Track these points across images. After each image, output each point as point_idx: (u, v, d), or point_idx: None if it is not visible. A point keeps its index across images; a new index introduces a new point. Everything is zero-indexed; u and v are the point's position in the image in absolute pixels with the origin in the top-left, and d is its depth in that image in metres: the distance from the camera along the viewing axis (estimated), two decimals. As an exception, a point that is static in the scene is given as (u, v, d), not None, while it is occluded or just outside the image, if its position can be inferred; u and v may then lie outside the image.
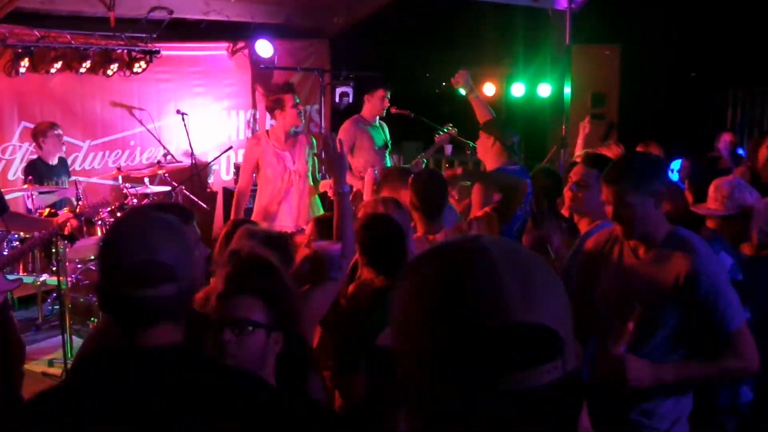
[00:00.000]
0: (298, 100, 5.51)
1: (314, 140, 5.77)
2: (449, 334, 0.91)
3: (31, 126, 7.11)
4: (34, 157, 6.94)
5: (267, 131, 5.65)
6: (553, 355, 0.92)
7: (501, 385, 0.90)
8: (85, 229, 6.02)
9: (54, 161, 6.89)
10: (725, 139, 8.54)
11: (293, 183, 5.54)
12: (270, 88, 5.78)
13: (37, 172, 6.68)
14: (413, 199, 4.03)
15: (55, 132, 6.78)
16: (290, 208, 5.58)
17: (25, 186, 6.42)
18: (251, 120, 9.24)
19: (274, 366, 2.23)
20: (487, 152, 4.67)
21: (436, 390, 0.93)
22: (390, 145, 6.78)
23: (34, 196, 6.39)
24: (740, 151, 8.67)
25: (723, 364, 2.69)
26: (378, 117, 6.65)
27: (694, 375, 2.69)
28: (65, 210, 4.76)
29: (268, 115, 9.41)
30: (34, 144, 6.96)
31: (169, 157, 8.13)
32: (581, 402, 1.00)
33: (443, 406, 0.93)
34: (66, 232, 4.35)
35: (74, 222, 4.38)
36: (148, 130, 8.07)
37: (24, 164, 7.18)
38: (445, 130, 6.64)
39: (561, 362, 0.92)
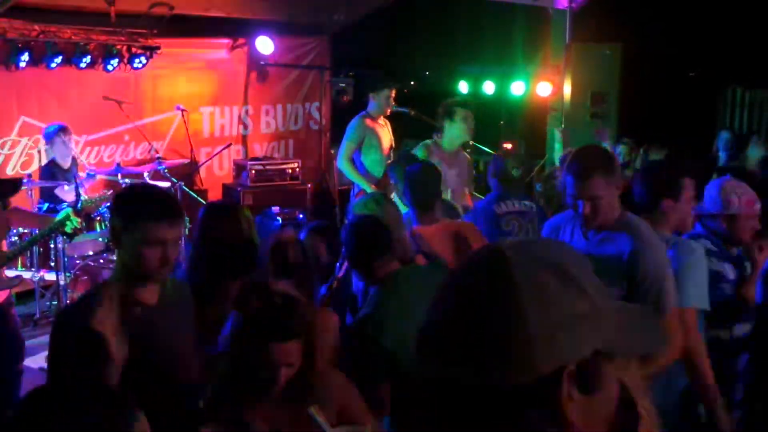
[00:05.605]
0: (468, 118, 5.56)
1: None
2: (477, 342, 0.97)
3: (31, 121, 7.07)
4: (52, 158, 6.82)
5: (435, 142, 5.67)
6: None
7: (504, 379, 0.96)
8: (83, 224, 6.01)
9: (67, 164, 6.80)
10: (723, 138, 8.75)
11: (459, 194, 5.57)
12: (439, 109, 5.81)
13: (53, 175, 6.62)
14: (406, 192, 4.02)
15: (62, 138, 6.67)
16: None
17: (25, 180, 6.39)
18: (244, 116, 9.19)
19: None
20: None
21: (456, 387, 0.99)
22: (393, 144, 6.73)
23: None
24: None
25: None
26: (382, 115, 6.60)
27: None
28: (65, 206, 4.74)
29: (263, 113, 9.45)
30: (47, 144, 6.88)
31: (153, 152, 8.01)
32: None
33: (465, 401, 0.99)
34: (70, 231, 4.33)
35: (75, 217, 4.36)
36: (137, 128, 7.97)
37: (42, 163, 7.08)
38: (406, 110, 6.73)
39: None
